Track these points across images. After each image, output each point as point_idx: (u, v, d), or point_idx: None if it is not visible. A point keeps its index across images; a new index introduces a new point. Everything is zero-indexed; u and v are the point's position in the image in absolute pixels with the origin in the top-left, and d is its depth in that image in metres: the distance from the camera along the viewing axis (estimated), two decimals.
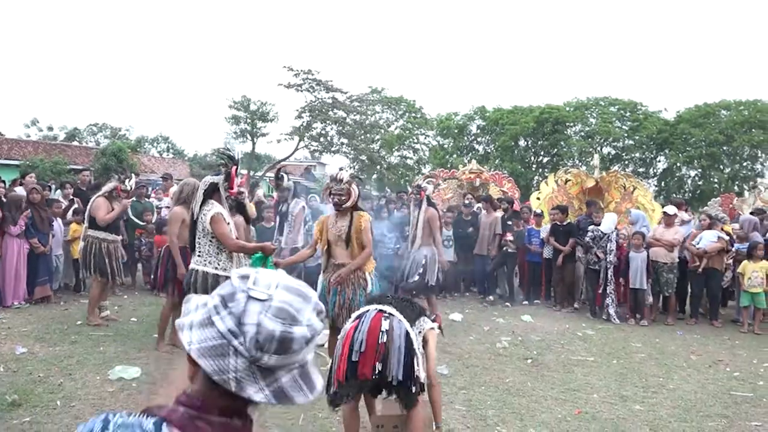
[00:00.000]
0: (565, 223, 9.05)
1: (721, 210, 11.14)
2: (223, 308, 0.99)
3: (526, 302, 9.26)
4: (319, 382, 1.08)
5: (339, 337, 3.26)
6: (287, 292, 1.00)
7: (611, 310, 8.21)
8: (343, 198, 4.70)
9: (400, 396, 3.17)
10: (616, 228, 8.51)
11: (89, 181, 9.53)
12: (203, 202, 4.61)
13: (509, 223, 9.37)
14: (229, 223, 4.65)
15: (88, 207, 6.70)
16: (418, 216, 7.40)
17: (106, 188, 6.78)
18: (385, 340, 3.05)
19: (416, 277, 7.36)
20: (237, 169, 4.73)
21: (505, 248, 9.15)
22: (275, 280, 1.01)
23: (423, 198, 7.40)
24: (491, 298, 9.27)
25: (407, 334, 3.14)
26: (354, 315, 3.36)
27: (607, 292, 8.28)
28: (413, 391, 3.08)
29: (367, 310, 3.26)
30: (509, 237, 9.11)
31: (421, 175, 15.22)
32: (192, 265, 4.69)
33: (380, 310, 3.22)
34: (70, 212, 8.27)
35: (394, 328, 3.11)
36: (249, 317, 0.96)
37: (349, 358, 3.04)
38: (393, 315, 3.19)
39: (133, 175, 7.51)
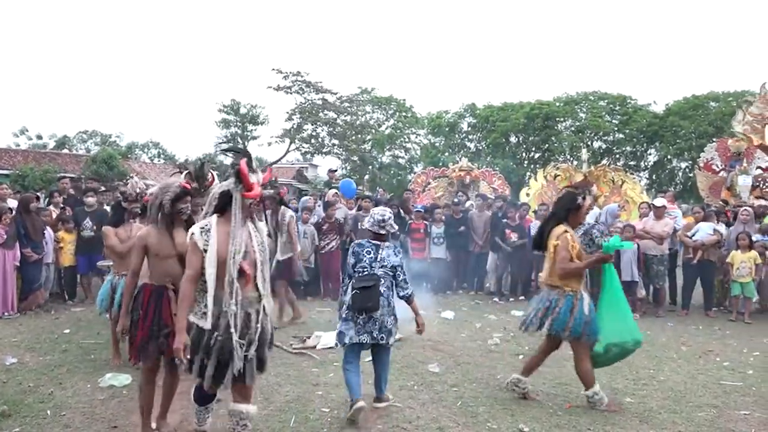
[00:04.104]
0: None
1: (718, 155, 11.09)
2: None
3: (522, 297, 9.30)
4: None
5: None
6: (380, 209, 4.44)
7: None
8: None
9: None
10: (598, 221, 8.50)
11: (80, 187, 9.48)
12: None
13: (505, 220, 9.39)
14: (204, 250, 3.21)
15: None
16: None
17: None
18: None
19: None
20: (249, 161, 3.38)
21: (510, 244, 9.21)
22: (379, 208, 4.54)
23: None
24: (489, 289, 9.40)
25: None
26: None
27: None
28: None
29: None
30: (514, 236, 9.16)
31: (413, 174, 14.99)
32: None
33: None
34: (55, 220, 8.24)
35: None
36: (372, 214, 4.38)
37: None
38: None
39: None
